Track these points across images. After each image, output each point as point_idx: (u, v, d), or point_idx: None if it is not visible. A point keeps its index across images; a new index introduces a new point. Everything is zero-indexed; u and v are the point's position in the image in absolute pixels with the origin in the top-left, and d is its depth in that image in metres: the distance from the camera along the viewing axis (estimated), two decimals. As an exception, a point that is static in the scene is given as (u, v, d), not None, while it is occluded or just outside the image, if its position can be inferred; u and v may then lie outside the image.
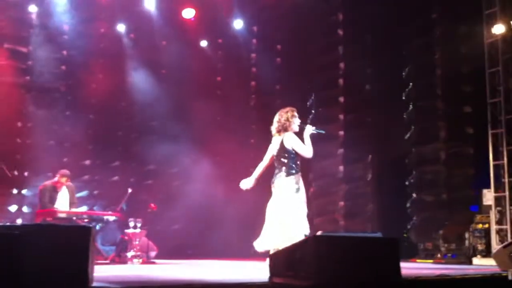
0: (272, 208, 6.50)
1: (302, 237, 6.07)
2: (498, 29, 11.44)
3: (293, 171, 6.39)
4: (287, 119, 6.52)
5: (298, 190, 6.38)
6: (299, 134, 6.62)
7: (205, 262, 11.06)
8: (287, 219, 6.30)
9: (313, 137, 6.63)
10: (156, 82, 14.59)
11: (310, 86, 14.92)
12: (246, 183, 6.99)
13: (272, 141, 6.73)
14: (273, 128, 6.68)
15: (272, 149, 6.68)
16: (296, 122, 6.56)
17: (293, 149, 6.41)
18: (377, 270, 4.89)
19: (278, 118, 6.62)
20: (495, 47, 11.56)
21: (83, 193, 13.32)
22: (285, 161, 6.41)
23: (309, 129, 6.54)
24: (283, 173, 6.42)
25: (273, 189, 6.57)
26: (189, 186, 14.33)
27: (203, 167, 14.59)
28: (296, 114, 6.59)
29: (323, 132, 6.70)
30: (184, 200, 14.38)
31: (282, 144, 6.50)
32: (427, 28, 13.32)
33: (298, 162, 6.46)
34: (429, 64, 13.28)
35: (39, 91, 13.55)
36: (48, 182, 10.15)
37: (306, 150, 6.42)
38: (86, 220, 9.97)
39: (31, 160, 12.92)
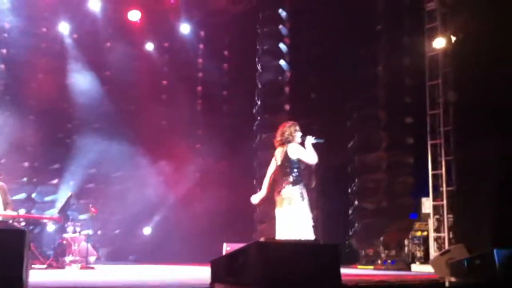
0: (284, 217, 6.71)
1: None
2: (439, 43, 11.78)
3: (298, 180, 6.67)
4: (290, 134, 6.78)
5: (303, 198, 6.64)
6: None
7: (147, 267, 10.87)
8: (299, 226, 6.59)
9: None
10: (99, 84, 14.30)
11: (256, 93, 14.97)
12: (257, 198, 7.18)
13: (275, 153, 6.96)
14: (276, 141, 6.92)
15: (276, 161, 6.91)
16: (298, 135, 6.80)
17: (298, 159, 6.69)
18: (318, 276, 4.92)
19: (281, 132, 6.87)
20: (436, 60, 11.90)
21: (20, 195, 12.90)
22: (290, 171, 6.67)
23: (310, 140, 6.77)
24: (290, 183, 6.66)
25: (278, 198, 6.77)
26: (132, 190, 14.13)
27: (147, 171, 14.42)
28: (298, 128, 6.85)
29: (322, 141, 6.93)
30: (126, 205, 14.16)
31: (286, 155, 6.73)
32: (371, 40, 13.59)
33: (301, 171, 6.75)
34: (372, 75, 13.55)
35: (-24, 91, 13.08)
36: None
37: (311, 157, 6.70)
38: (23, 223, 9.61)
39: (-34, 161, 12.42)
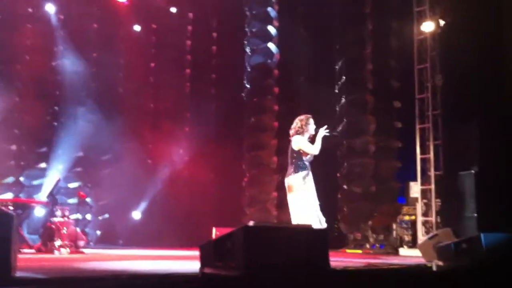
0: (289, 204, 7.19)
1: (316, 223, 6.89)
2: (427, 26, 11.77)
3: (301, 168, 7.11)
4: (301, 126, 7.28)
5: (305, 183, 7.07)
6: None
7: (136, 252, 10.88)
8: (299, 212, 7.04)
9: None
10: (86, 65, 14.13)
11: (245, 76, 14.90)
12: None
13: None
14: (290, 132, 7.39)
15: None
16: (311, 128, 7.29)
17: (300, 149, 7.15)
18: (306, 260, 4.94)
19: (294, 125, 7.36)
20: (424, 44, 11.91)
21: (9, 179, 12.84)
22: (294, 160, 7.16)
23: (322, 132, 7.25)
24: (293, 171, 7.14)
25: (286, 186, 7.23)
26: (120, 174, 14.04)
27: (136, 155, 14.35)
28: (310, 121, 7.32)
29: (336, 134, 7.58)
30: (115, 189, 14.10)
31: (291, 146, 7.27)
32: (359, 23, 13.55)
33: (305, 161, 7.16)
34: (360, 59, 13.52)
35: (-39, 72, 12.88)
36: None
37: (311, 148, 7.15)
38: (11, 208, 9.55)
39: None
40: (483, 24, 9.98)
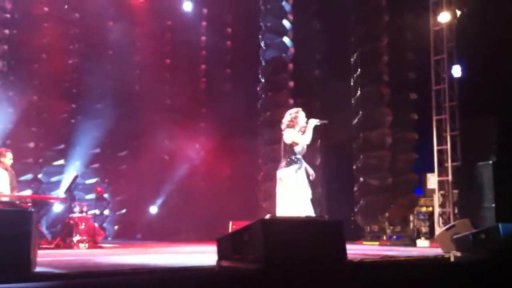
0: (279, 194, 7.29)
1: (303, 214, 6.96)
2: (444, 17, 11.68)
3: (293, 162, 7.22)
4: (291, 120, 7.37)
5: (296, 176, 7.17)
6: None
7: (154, 246, 10.96)
8: (291, 201, 7.13)
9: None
10: (102, 63, 14.22)
11: (260, 71, 14.89)
12: None
13: None
14: (282, 127, 7.51)
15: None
16: (301, 120, 7.38)
17: (292, 142, 7.24)
18: (323, 253, 4.95)
19: (285, 119, 7.46)
20: (440, 35, 11.83)
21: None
22: (285, 154, 7.29)
23: (313, 122, 7.31)
24: (284, 165, 7.25)
25: (277, 178, 7.32)
26: (137, 169, 14.14)
27: (152, 150, 14.43)
28: (300, 114, 7.42)
29: (326, 122, 7.45)
30: (132, 184, 14.20)
31: (283, 140, 7.36)
32: (375, 15, 13.46)
33: (298, 154, 7.28)
34: (376, 51, 13.44)
35: (-21, 72, 13.02)
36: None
37: (302, 138, 7.25)
38: (29, 204, 9.66)
39: (-29, 142, 12.43)
40: (500, 14, 9.89)
